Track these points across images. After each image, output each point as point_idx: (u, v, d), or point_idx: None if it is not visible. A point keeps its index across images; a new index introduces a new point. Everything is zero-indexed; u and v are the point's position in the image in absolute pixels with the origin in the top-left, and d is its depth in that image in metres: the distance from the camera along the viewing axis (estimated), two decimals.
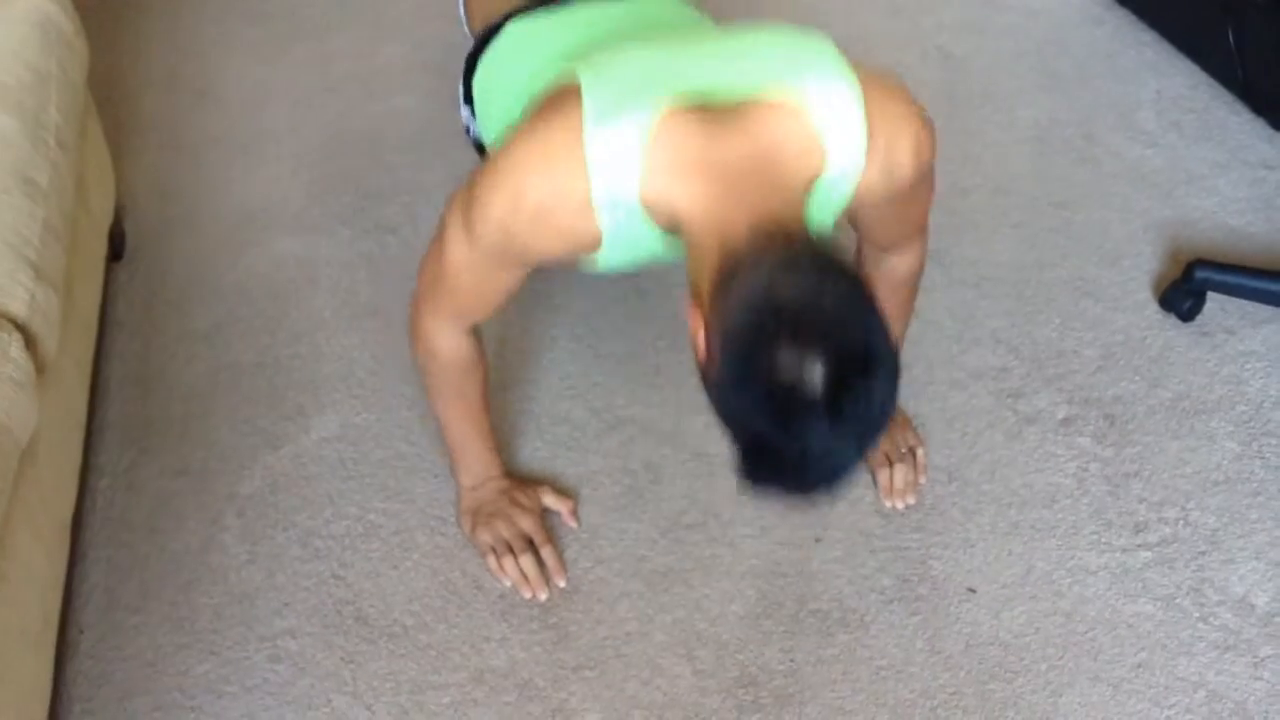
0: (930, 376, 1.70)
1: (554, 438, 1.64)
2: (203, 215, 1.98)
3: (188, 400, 1.69)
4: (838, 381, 0.92)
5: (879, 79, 1.18)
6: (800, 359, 0.91)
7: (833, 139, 1.11)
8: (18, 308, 1.26)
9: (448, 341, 1.38)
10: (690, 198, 1.07)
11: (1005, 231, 1.92)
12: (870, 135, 1.12)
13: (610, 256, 1.18)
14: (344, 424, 1.65)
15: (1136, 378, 1.70)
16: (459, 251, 1.24)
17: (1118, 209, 1.96)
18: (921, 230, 1.44)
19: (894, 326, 1.49)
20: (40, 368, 1.29)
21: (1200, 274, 1.73)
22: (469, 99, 1.63)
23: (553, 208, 1.12)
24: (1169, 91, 2.19)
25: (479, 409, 1.47)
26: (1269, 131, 2.09)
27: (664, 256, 1.21)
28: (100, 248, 1.72)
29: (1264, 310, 1.77)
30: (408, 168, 2.06)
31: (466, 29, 2.01)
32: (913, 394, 1.67)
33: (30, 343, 1.27)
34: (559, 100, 1.14)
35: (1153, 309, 1.79)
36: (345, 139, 2.13)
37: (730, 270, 0.99)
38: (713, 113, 1.09)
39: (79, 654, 1.41)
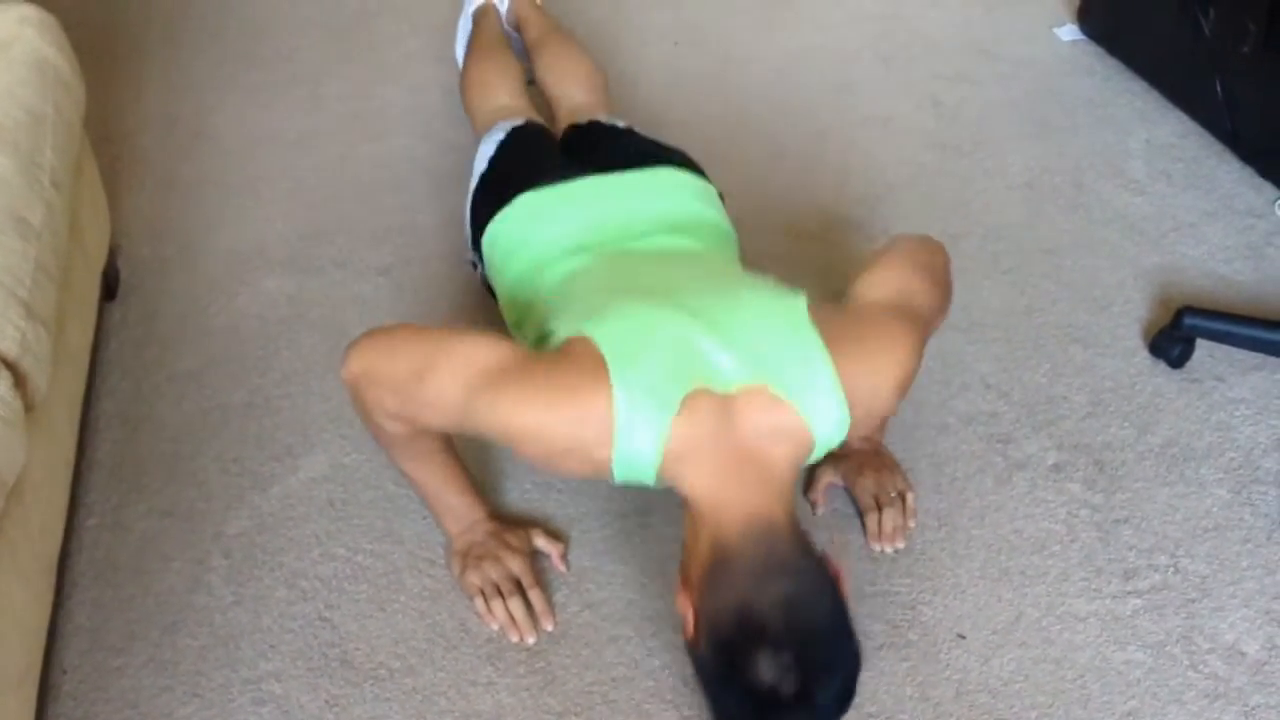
0: (920, 421, 1.70)
1: (544, 480, 1.63)
2: (196, 255, 1.99)
3: (177, 440, 1.69)
4: (809, 684, 1.08)
5: (850, 329, 1.27)
6: (777, 669, 1.07)
7: (815, 420, 1.22)
8: (8, 346, 1.26)
9: (395, 426, 1.35)
10: (697, 482, 1.20)
11: (995, 277, 1.93)
12: (851, 408, 1.23)
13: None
14: (333, 465, 1.65)
15: (1126, 424, 1.70)
16: (447, 407, 1.25)
17: (1107, 256, 1.97)
18: (943, 302, 1.45)
19: None
20: (29, 406, 1.29)
21: (1189, 321, 1.74)
22: (475, 246, 1.67)
23: (571, 456, 1.22)
24: (1158, 140, 2.21)
25: (442, 460, 1.46)
26: (1257, 180, 2.11)
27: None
28: (93, 287, 1.72)
29: (1253, 357, 1.78)
30: (401, 210, 2.07)
31: (464, 109, 2.04)
32: (902, 438, 1.67)
33: (19, 381, 1.27)
34: (585, 372, 1.21)
35: (1142, 355, 1.80)
36: (339, 181, 2.14)
37: (719, 565, 1.14)
38: (721, 400, 1.21)
39: (61, 695, 1.40)
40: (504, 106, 1.94)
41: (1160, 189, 2.10)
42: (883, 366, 1.25)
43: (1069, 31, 2.50)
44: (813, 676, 1.09)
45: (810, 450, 1.24)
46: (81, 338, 1.62)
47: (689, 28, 2.56)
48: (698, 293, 1.31)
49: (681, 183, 1.64)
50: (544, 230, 1.55)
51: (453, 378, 1.24)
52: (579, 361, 1.22)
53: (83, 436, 1.64)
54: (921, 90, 2.35)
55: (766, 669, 1.07)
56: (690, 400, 1.19)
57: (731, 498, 1.18)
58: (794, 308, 1.27)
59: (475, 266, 1.72)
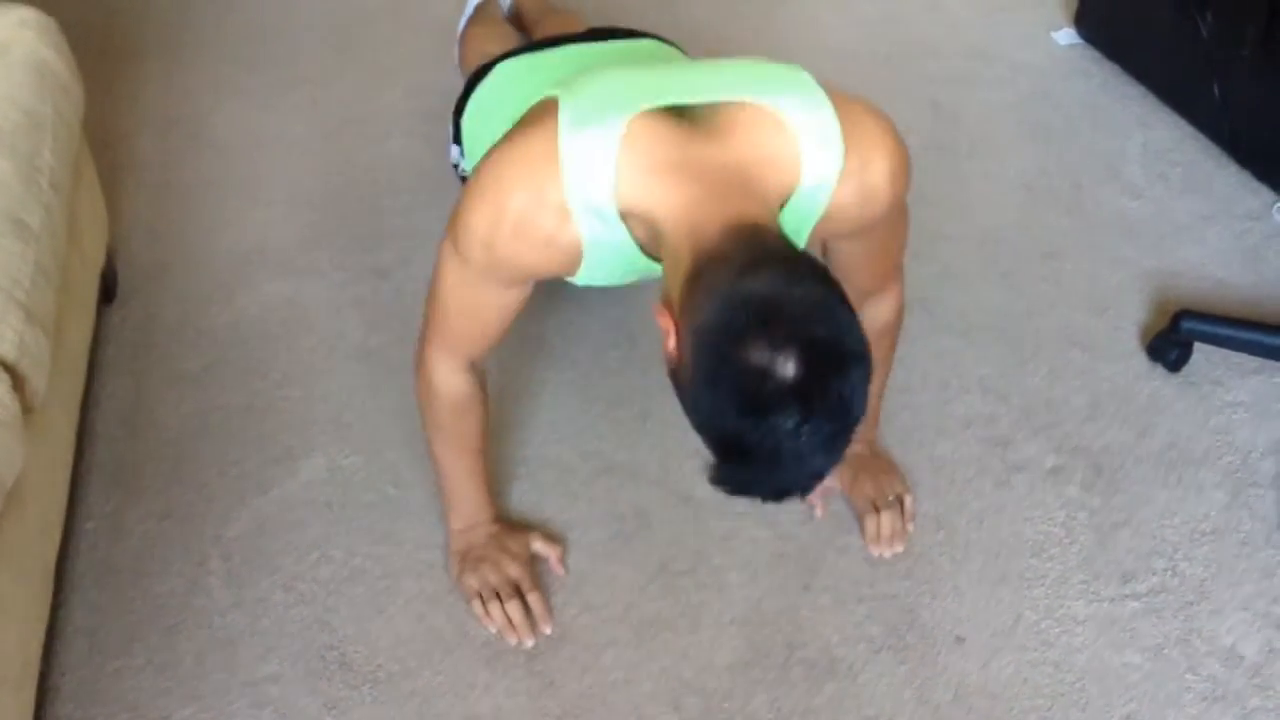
0: (918, 424, 1.70)
1: (543, 482, 1.64)
2: (195, 258, 1.99)
3: (176, 443, 1.69)
4: (809, 373, 0.91)
5: (858, 100, 1.19)
6: (770, 350, 0.91)
7: (808, 149, 1.12)
8: (6, 349, 1.26)
9: (446, 378, 1.38)
10: (664, 201, 1.07)
11: (993, 280, 1.93)
12: (846, 149, 1.13)
13: (592, 269, 1.19)
14: (332, 467, 1.65)
15: (1124, 427, 1.70)
16: (450, 275, 1.26)
17: (1105, 259, 1.97)
18: (898, 274, 1.45)
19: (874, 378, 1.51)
20: (28, 408, 1.29)
21: (1186, 325, 1.74)
22: (458, 138, 1.65)
23: (532, 217, 1.12)
24: (1156, 143, 2.22)
25: (475, 450, 1.47)
26: (1255, 183, 2.12)
27: (646, 273, 1.22)
28: (92, 290, 1.72)
29: (1251, 361, 1.78)
30: (401, 212, 2.07)
31: (462, 77, 2.04)
32: (900, 441, 1.67)
33: (18, 384, 1.27)
34: (536, 114, 1.17)
35: (1140, 359, 1.80)
36: (339, 183, 2.15)
37: (701, 268, 0.99)
38: (687, 118, 1.11)
39: (60, 698, 1.40)
40: (496, 53, 1.92)
41: (1158, 192, 2.11)
42: (880, 146, 1.17)
43: (1066, 35, 2.50)
44: (813, 361, 0.92)
45: (795, 182, 1.12)
46: (80, 340, 1.62)
47: (687, 30, 2.56)
48: (682, 61, 1.27)
49: (669, 52, 1.60)
50: (524, 86, 1.49)
51: (443, 253, 1.25)
52: (528, 119, 1.17)
53: (81, 439, 1.64)
54: (920, 93, 2.35)
55: (760, 352, 0.91)
56: (647, 118, 1.10)
57: (707, 209, 1.04)
58: (796, 68, 1.20)
59: (456, 168, 1.70)
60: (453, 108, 1.73)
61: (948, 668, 1.43)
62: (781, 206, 1.13)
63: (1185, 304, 1.84)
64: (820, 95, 1.15)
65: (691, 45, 2.49)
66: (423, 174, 2.16)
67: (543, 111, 1.16)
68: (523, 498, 1.62)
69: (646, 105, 1.12)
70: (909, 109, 2.31)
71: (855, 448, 1.60)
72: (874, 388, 1.46)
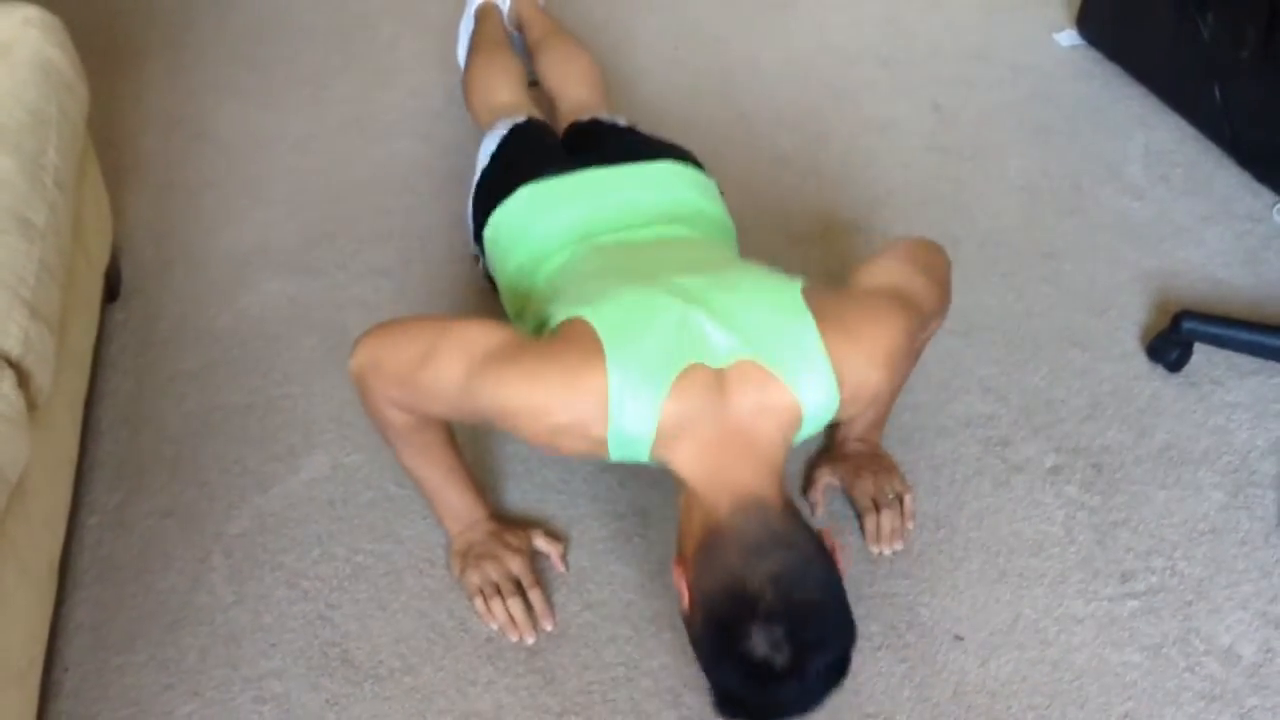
0: (918, 424, 1.71)
1: (543, 480, 1.64)
2: (198, 257, 2.00)
3: (178, 440, 1.69)
4: (803, 659, 1.10)
5: (846, 315, 1.28)
6: (770, 644, 1.09)
7: (806, 396, 1.24)
8: (11, 345, 1.26)
9: (396, 415, 1.37)
10: (689, 461, 1.22)
11: (994, 280, 1.94)
12: (840, 385, 1.25)
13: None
14: (334, 465, 1.66)
15: (1124, 427, 1.71)
16: (448, 387, 1.27)
17: (1106, 260, 1.98)
18: (942, 302, 1.46)
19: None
20: (32, 405, 1.30)
21: (1187, 325, 1.75)
22: (478, 237, 1.69)
23: (569, 433, 1.23)
24: (1157, 145, 2.22)
25: (447, 455, 1.47)
26: (1255, 185, 2.12)
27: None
28: (96, 288, 1.73)
29: (1250, 362, 1.79)
30: (402, 212, 2.08)
31: (467, 108, 2.06)
32: (901, 440, 1.68)
33: (23, 380, 1.28)
34: (576, 341, 1.24)
35: (1140, 359, 1.81)
36: (341, 183, 2.15)
37: (712, 541, 1.16)
38: (713, 375, 1.23)
39: (63, 693, 1.40)
40: (506, 104, 1.95)
41: (1159, 193, 2.11)
42: (871, 341, 1.27)
43: (1068, 37, 2.51)
44: (805, 650, 1.10)
45: (799, 425, 1.25)
46: (84, 338, 1.62)
47: (690, 32, 2.57)
48: (694, 276, 1.32)
49: (681, 175, 1.65)
50: (545, 221, 1.56)
51: (453, 361, 1.26)
52: (575, 342, 1.24)
53: (85, 436, 1.65)
54: (921, 94, 2.36)
55: (759, 643, 1.09)
56: (683, 377, 1.22)
57: (722, 476, 1.20)
58: (789, 289, 1.30)
59: (478, 260, 1.74)
60: (469, 201, 1.76)
61: (947, 666, 1.43)
62: (792, 439, 1.26)
63: (1185, 304, 1.84)
64: (809, 337, 1.25)
65: (696, 46, 2.50)
66: (424, 174, 2.16)
67: (582, 342, 1.23)
68: (525, 496, 1.62)
69: (683, 364, 1.22)
70: (911, 110, 2.32)
71: (856, 446, 1.61)
72: (884, 405, 1.61)
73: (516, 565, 1.49)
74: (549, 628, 1.47)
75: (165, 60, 2.48)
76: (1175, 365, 1.78)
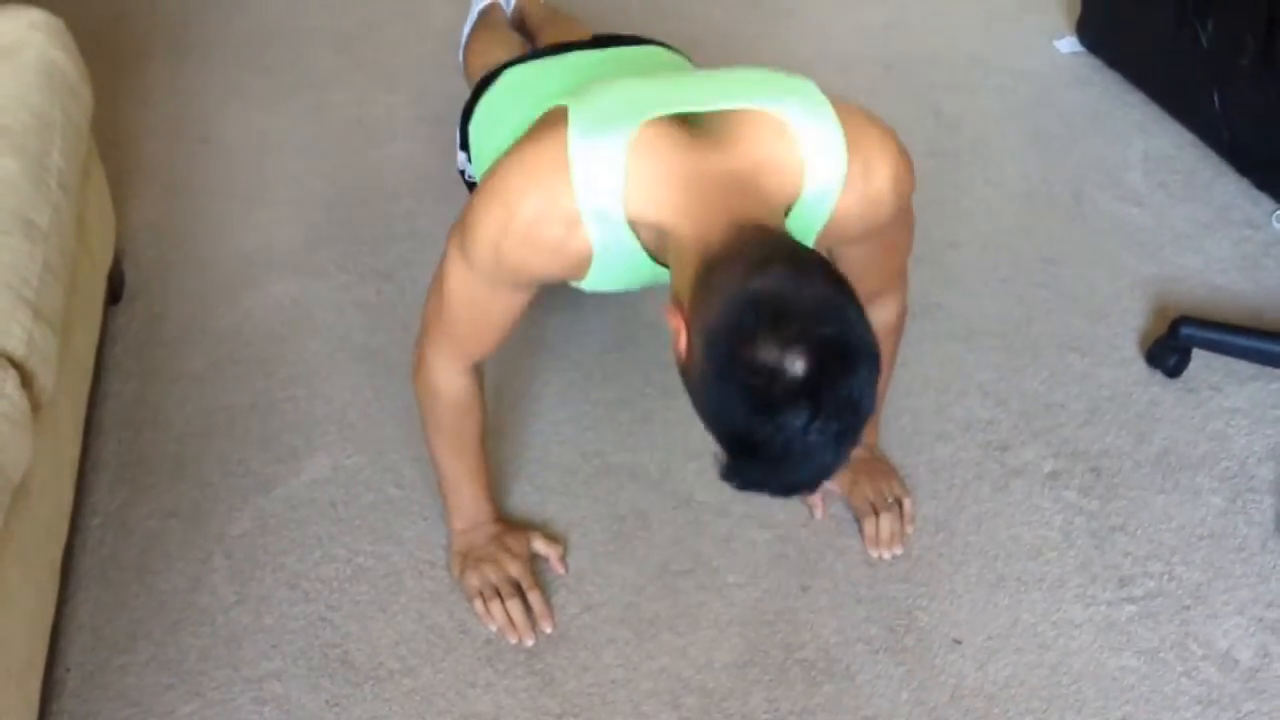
0: (918, 428, 1.71)
1: (544, 482, 1.65)
2: (201, 259, 2.00)
3: (181, 441, 1.70)
4: (818, 370, 0.92)
5: (859, 109, 1.21)
6: (780, 349, 0.92)
7: (811, 155, 1.14)
8: (15, 346, 1.27)
9: (448, 379, 1.40)
10: (672, 208, 1.09)
11: (993, 286, 1.95)
12: (849, 156, 1.15)
13: (600, 275, 1.20)
14: (335, 466, 1.66)
15: (1123, 432, 1.71)
16: (457, 278, 1.27)
17: (1105, 266, 1.98)
18: (902, 278, 1.46)
19: None
20: (35, 406, 1.30)
21: (1185, 331, 1.75)
22: (465, 144, 1.67)
23: (542, 222, 1.14)
24: (1156, 152, 2.23)
25: (475, 451, 1.48)
26: (1254, 192, 2.13)
27: (653, 279, 1.23)
28: (99, 289, 1.73)
29: (1249, 368, 1.79)
30: (405, 215, 2.09)
31: (467, 84, 2.06)
32: (900, 444, 1.68)
33: (26, 381, 1.28)
34: (546, 122, 1.18)
35: (1139, 365, 1.81)
36: (344, 186, 2.16)
37: (710, 269, 1.00)
38: (694, 127, 1.13)
39: (65, 693, 1.41)
40: (502, 60, 1.93)
41: (1158, 200, 2.12)
42: (882, 153, 1.19)
43: (1068, 44, 2.51)
44: (823, 359, 0.93)
45: (799, 189, 1.14)
46: (87, 339, 1.63)
47: (692, 38, 2.57)
48: (688, 69, 1.28)
49: (675, 60, 1.62)
50: (531, 92, 1.51)
51: (448, 258, 1.27)
52: (538, 126, 1.18)
53: (87, 437, 1.66)
54: (922, 99, 2.37)
55: (770, 350, 0.92)
56: (655, 127, 1.12)
57: (713, 211, 1.06)
58: (800, 77, 1.21)
59: (463, 174, 1.72)
60: (459, 114, 1.75)
61: (945, 669, 1.44)
62: (787, 213, 1.15)
63: (1184, 310, 1.85)
64: (824, 104, 1.17)
65: (697, 53, 2.51)
66: (427, 177, 2.17)
67: (552, 120, 1.18)
68: (524, 498, 1.63)
69: (654, 114, 1.13)
70: (912, 116, 2.32)
71: (855, 450, 1.61)
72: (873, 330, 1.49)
73: (516, 567, 1.49)
74: (548, 629, 1.47)
75: (169, 63, 2.49)
76: (1174, 371, 1.78)
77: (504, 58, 1.91)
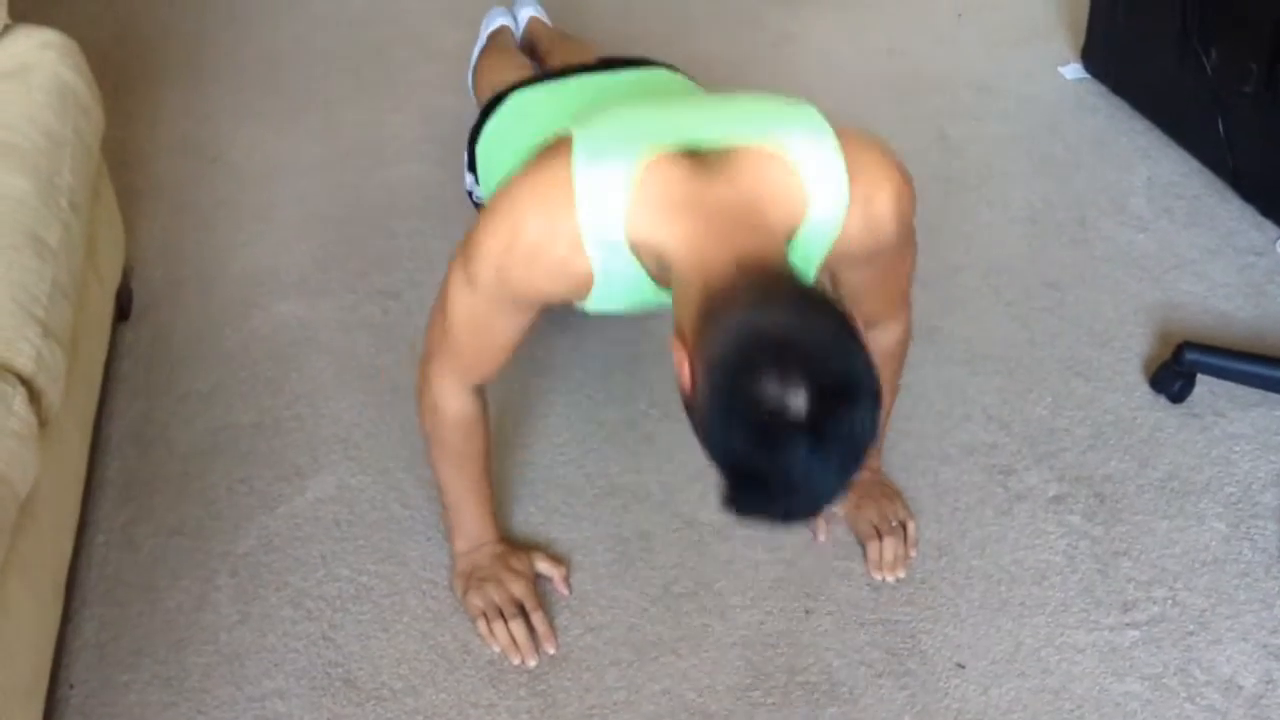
0: (921, 451, 1.71)
1: (547, 503, 1.65)
2: (209, 278, 2.01)
3: (186, 459, 1.70)
4: (820, 406, 0.94)
5: (860, 134, 1.22)
6: (783, 385, 0.93)
7: (814, 186, 1.15)
8: (23, 363, 1.28)
9: (453, 400, 1.40)
10: (675, 237, 1.10)
11: (998, 310, 1.95)
12: (850, 183, 1.16)
13: (602, 297, 1.21)
14: (340, 485, 1.67)
15: (1127, 457, 1.71)
16: (460, 299, 1.28)
17: (1109, 291, 1.99)
18: (904, 301, 1.47)
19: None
20: (43, 422, 1.31)
21: (1190, 356, 1.75)
22: (472, 165, 1.68)
23: (545, 246, 1.16)
24: (1160, 178, 2.23)
25: (479, 471, 1.49)
26: (1258, 218, 2.13)
27: (655, 303, 1.24)
28: (108, 307, 1.75)
29: (1253, 393, 1.79)
30: (412, 235, 2.10)
31: (476, 105, 2.08)
32: (904, 468, 1.69)
33: (34, 397, 1.29)
34: (551, 148, 1.20)
35: (1143, 390, 1.81)
36: (352, 206, 2.17)
37: (713, 303, 1.02)
38: (698, 158, 1.14)
39: (68, 710, 1.41)
40: (511, 82, 1.95)
41: (1162, 226, 2.13)
42: (884, 178, 1.20)
43: (1073, 70, 2.53)
44: (824, 395, 0.94)
45: (804, 213, 1.16)
46: (95, 357, 1.64)
47: (698, 63, 2.59)
48: (692, 95, 1.29)
49: (681, 83, 1.63)
50: (538, 117, 1.54)
51: (450, 281, 1.28)
52: (544, 152, 1.20)
53: (94, 455, 1.66)
54: (927, 125, 2.38)
55: (772, 386, 0.94)
56: (660, 158, 1.13)
57: (717, 246, 1.07)
58: (803, 101, 1.23)
59: (471, 195, 1.73)
60: (467, 135, 1.76)
61: (948, 694, 1.44)
62: (789, 240, 1.16)
63: (1188, 336, 1.85)
64: (825, 130, 1.18)
65: (703, 78, 2.52)
66: (433, 198, 2.18)
67: (559, 145, 1.19)
68: (527, 519, 1.63)
69: (660, 142, 1.15)
70: (917, 141, 2.33)
71: (859, 474, 1.62)
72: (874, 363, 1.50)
73: (519, 588, 1.50)
74: (551, 650, 1.47)
75: (179, 84, 2.51)
76: (1178, 396, 1.79)
77: (512, 80, 1.93)
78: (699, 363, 1.01)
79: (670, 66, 1.73)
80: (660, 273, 1.16)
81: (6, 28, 1.65)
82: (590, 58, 2.04)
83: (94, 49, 1.80)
